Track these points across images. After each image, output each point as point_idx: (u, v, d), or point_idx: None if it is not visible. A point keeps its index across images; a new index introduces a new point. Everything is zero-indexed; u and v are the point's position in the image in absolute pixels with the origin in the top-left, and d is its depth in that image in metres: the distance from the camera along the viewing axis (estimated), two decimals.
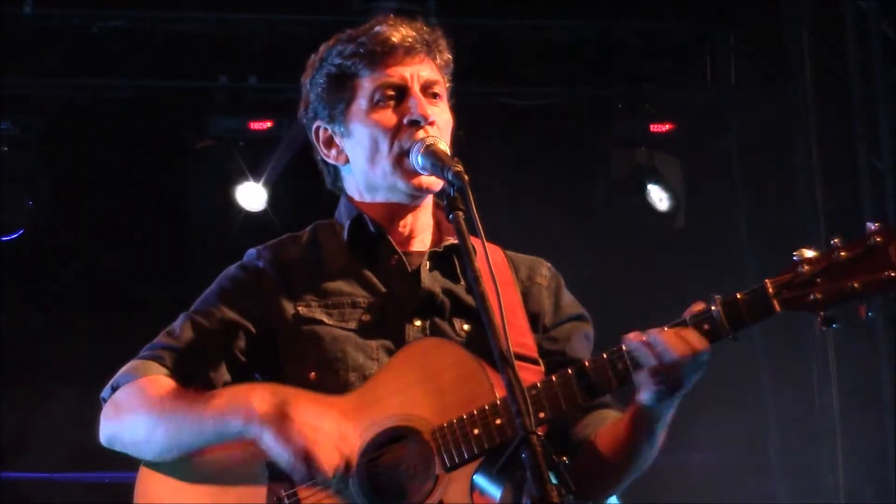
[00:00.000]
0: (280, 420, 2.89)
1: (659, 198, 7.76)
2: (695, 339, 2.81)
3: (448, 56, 3.22)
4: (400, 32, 3.13)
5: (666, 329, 2.83)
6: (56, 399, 7.27)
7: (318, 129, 3.25)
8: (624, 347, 2.87)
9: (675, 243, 7.78)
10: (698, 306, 2.85)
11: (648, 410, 2.92)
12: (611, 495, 3.16)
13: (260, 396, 2.94)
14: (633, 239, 7.80)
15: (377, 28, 3.15)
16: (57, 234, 7.31)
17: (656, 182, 7.75)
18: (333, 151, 3.24)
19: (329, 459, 2.87)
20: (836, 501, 7.28)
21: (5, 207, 7.09)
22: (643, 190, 7.73)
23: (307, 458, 2.87)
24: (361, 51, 3.13)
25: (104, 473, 6.40)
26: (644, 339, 2.83)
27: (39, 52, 7.19)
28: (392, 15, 3.20)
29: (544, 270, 3.30)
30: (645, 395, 2.88)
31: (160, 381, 3.09)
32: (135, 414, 3.06)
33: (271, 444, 2.89)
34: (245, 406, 2.93)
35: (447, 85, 3.22)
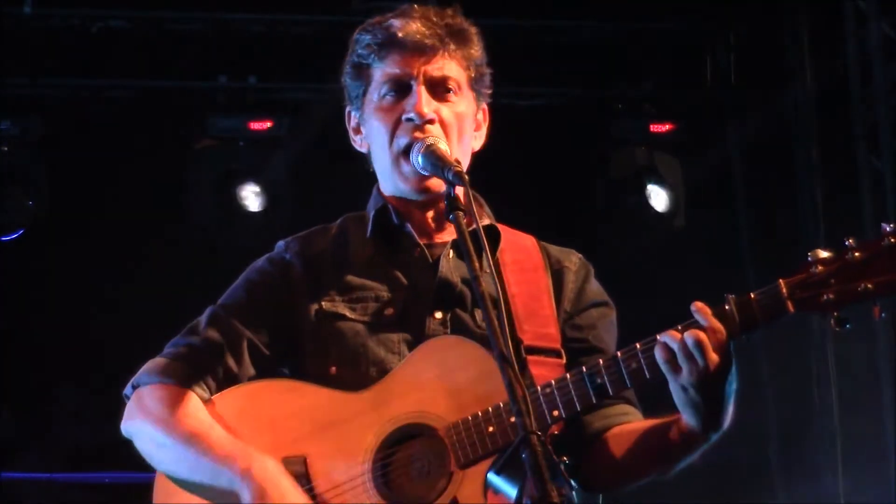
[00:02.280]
0: (267, 491, 2.89)
1: (659, 198, 7.76)
2: (719, 326, 2.79)
3: (473, 50, 3.18)
4: (411, 26, 3.11)
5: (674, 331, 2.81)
6: (56, 399, 7.27)
7: (349, 113, 3.28)
8: (639, 346, 2.86)
9: (675, 243, 7.78)
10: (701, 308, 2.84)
11: (692, 434, 2.92)
12: (624, 490, 3.15)
13: (264, 465, 2.94)
14: (633, 239, 7.79)
15: (391, 20, 3.14)
16: (56, 234, 7.30)
17: (656, 182, 7.75)
18: (358, 138, 3.27)
19: None
20: (836, 501, 7.28)
21: (5, 207, 7.09)
22: (643, 190, 7.73)
23: None
24: (374, 43, 3.14)
25: (104, 473, 6.40)
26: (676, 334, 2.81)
27: (39, 52, 7.19)
28: (416, 6, 3.18)
29: (574, 258, 3.30)
30: (678, 393, 2.86)
31: (177, 396, 3.06)
32: (147, 427, 3.07)
33: None
34: (246, 464, 2.93)
35: (473, 75, 3.19)
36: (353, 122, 3.26)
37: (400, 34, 3.10)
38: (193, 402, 3.05)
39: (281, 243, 3.26)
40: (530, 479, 2.44)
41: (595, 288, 3.27)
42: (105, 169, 7.34)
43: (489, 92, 3.26)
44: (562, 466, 2.47)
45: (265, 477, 2.91)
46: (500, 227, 3.23)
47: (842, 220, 7.29)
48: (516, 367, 2.58)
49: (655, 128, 7.78)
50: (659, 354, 2.81)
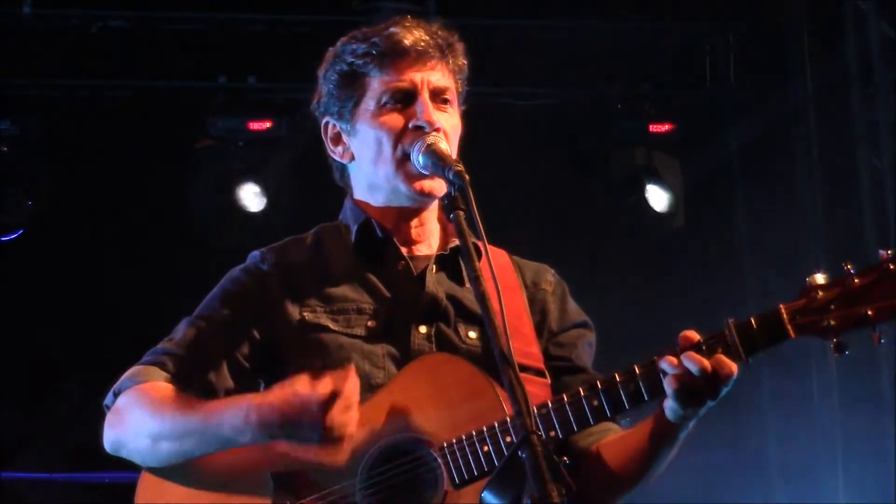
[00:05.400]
0: (265, 400, 2.87)
1: (658, 198, 7.76)
2: (728, 365, 2.80)
3: (463, 61, 3.19)
4: (413, 35, 3.11)
5: (697, 354, 2.80)
6: (56, 399, 7.27)
7: (326, 124, 3.24)
8: (637, 369, 2.85)
9: (674, 243, 7.78)
10: (692, 335, 2.83)
11: (674, 419, 2.90)
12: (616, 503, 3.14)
13: (252, 397, 2.92)
14: (633, 239, 7.79)
15: (391, 29, 3.12)
16: (56, 234, 7.30)
17: (655, 182, 7.75)
18: (340, 148, 3.23)
19: (320, 398, 2.80)
20: (836, 501, 7.28)
21: (5, 207, 7.09)
22: (643, 190, 7.73)
23: (301, 411, 2.81)
24: (373, 52, 3.11)
25: (104, 473, 6.40)
26: (678, 362, 2.80)
27: (39, 52, 7.19)
28: (409, 16, 3.18)
29: (549, 277, 3.29)
30: (672, 405, 2.85)
31: (161, 387, 3.05)
32: (137, 422, 3.03)
33: (266, 422, 2.85)
34: (243, 406, 2.91)
35: (460, 89, 3.20)
36: (332, 132, 3.23)
37: (406, 42, 3.09)
38: (178, 389, 3.03)
39: (256, 254, 3.23)
40: (530, 480, 2.44)
41: (574, 307, 3.28)
42: (105, 169, 7.34)
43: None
44: (561, 467, 2.47)
45: (261, 407, 2.87)
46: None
47: (842, 220, 7.29)
48: (516, 367, 2.58)
49: (655, 128, 7.78)
50: (677, 378, 2.79)
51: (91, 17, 7.22)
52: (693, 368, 2.78)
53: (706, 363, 2.78)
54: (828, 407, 7.43)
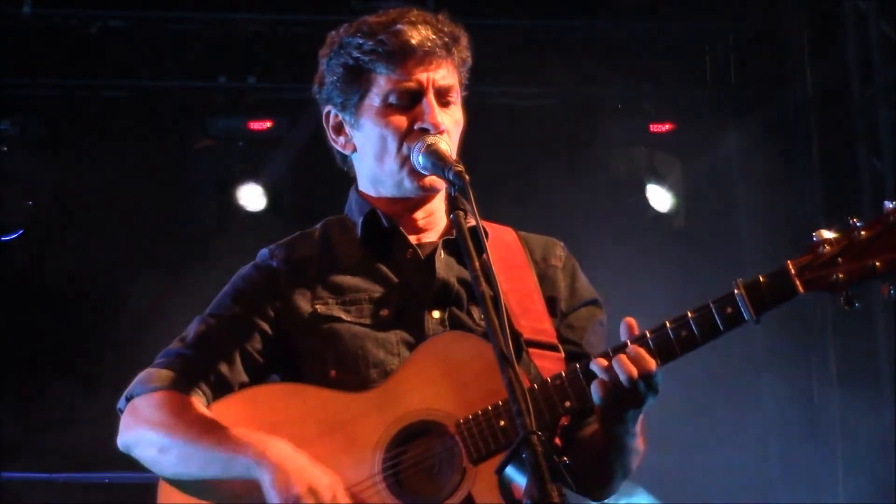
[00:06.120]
0: (285, 467, 2.88)
1: (658, 198, 7.76)
2: (646, 361, 2.82)
3: (467, 54, 3.20)
4: (420, 34, 3.10)
5: (619, 354, 2.83)
6: (56, 399, 7.27)
7: (328, 113, 3.24)
8: (649, 334, 2.87)
9: (674, 243, 7.78)
10: (603, 361, 2.84)
11: (612, 425, 2.93)
12: (608, 493, 3.14)
13: (278, 446, 2.92)
14: (633, 239, 7.79)
15: (398, 25, 3.11)
16: (56, 234, 7.30)
17: (656, 182, 7.75)
18: (342, 139, 3.24)
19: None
20: (836, 501, 7.28)
21: (5, 207, 7.10)
22: (643, 190, 7.73)
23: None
24: (380, 49, 3.10)
25: (104, 473, 6.40)
26: (607, 363, 2.83)
27: (39, 52, 7.19)
28: (414, 10, 3.16)
29: (559, 251, 3.30)
30: (603, 413, 2.89)
31: (175, 399, 3.05)
32: (147, 433, 3.05)
33: (269, 486, 2.88)
34: (260, 447, 2.92)
35: (464, 81, 3.20)
36: (333, 121, 3.23)
37: (413, 42, 3.08)
38: (193, 402, 3.04)
39: (265, 251, 3.25)
40: (530, 480, 2.44)
41: (584, 284, 3.28)
42: (105, 169, 7.34)
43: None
44: (561, 467, 2.47)
45: (282, 456, 2.89)
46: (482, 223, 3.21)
47: (842, 220, 7.28)
48: (516, 366, 2.59)
49: (655, 128, 7.79)
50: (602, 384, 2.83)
51: (91, 17, 7.23)
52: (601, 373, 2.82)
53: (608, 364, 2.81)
54: (828, 405, 7.43)
